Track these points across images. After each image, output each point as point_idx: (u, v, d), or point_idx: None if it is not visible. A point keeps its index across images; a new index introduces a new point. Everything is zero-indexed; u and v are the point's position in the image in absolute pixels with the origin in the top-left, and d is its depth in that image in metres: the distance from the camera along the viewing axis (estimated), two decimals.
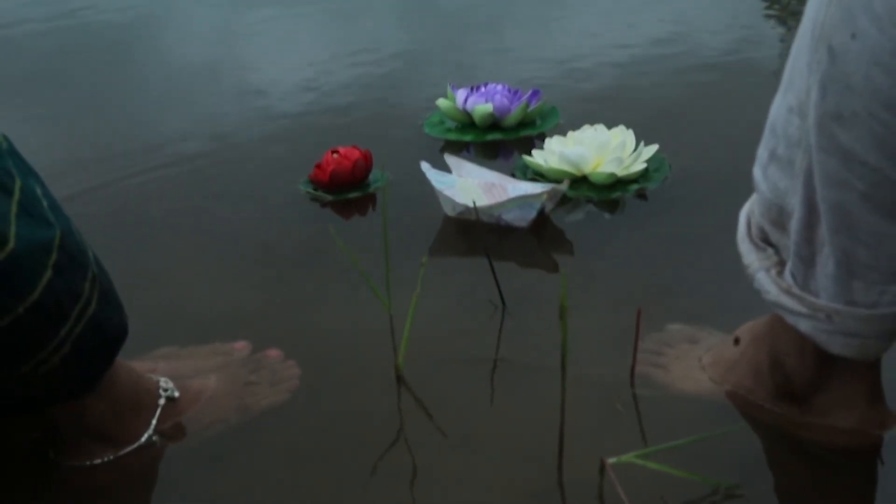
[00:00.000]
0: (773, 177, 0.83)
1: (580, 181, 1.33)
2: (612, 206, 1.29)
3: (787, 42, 1.78)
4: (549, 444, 0.86)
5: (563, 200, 1.29)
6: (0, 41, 2.11)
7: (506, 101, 1.47)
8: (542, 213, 1.23)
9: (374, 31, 2.08)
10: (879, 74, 0.70)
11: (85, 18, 2.21)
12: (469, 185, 1.23)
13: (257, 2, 2.28)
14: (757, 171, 0.85)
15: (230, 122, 1.62)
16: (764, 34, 1.89)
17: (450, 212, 1.26)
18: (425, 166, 1.27)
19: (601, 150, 1.31)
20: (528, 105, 1.47)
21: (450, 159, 1.31)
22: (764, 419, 0.91)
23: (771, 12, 2.03)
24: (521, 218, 1.22)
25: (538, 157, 1.35)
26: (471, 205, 1.20)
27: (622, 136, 1.33)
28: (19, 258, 0.76)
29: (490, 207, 1.21)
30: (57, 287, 0.79)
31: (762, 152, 0.84)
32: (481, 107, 1.47)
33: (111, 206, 1.36)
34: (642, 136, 1.36)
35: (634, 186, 1.31)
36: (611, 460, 0.83)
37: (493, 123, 1.49)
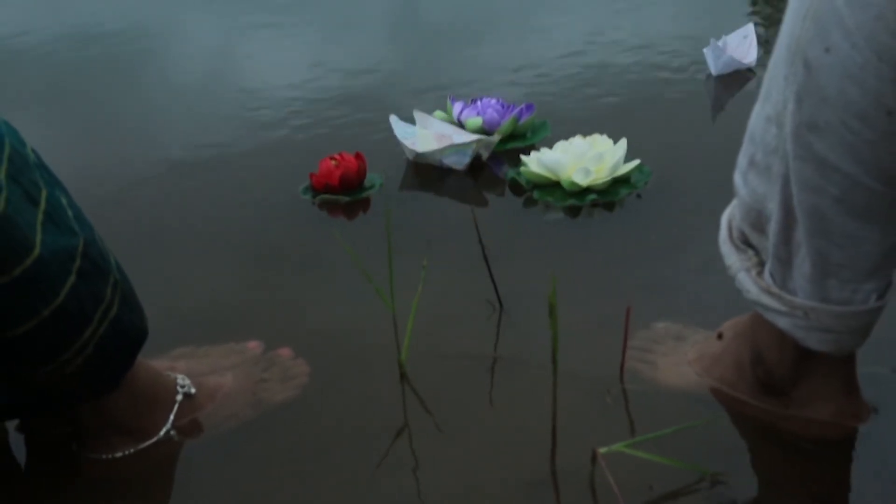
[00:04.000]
0: (752, 182, 0.84)
1: (555, 186, 1.34)
2: (576, 211, 1.30)
3: (766, 53, 1.78)
4: (544, 434, 0.87)
5: (534, 202, 1.31)
6: (14, 56, 2.12)
7: (496, 115, 1.47)
8: (478, 160, 1.42)
9: (374, 45, 2.08)
10: (851, 87, 0.71)
11: (92, 35, 2.22)
12: (426, 135, 1.42)
13: (251, 16, 2.28)
14: (737, 177, 0.86)
15: (229, 134, 1.60)
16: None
17: (409, 156, 1.43)
18: (393, 119, 1.45)
19: (579, 158, 1.32)
20: (517, 119, 1.47)
21: (417, 114, 1.46)
22: (746, 411, 0.92)
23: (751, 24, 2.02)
24: (457, 162, 1.41)
25: (527, 161, 1.36)
26: (420, 151, 1.41)
27: (600, 149, 1.33)
28: (45, 264, 0.76)
29: (433, 152, 1.40)
30: (81, 291, 0.80)
31: (742, 159, 0.85)
32: (472, 119, 1.47)
33: (126, 213, 1.36)
34: (636, 149, 1.36)
35: (592, 196, 1.31)
36: (602, 450, 0.84)
37: (487, 135, 1.49)
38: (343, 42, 2.08)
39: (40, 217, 0.77)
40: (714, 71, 1.66)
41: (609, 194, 1.32)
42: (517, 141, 1.48)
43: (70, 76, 1.99)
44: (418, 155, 1.42)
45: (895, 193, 0.75)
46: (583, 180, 1.31)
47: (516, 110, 1.48)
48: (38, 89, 1.90)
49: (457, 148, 1.39)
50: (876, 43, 0.68)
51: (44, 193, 0.79)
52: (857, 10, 0.68)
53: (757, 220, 0.85)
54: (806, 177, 0.77)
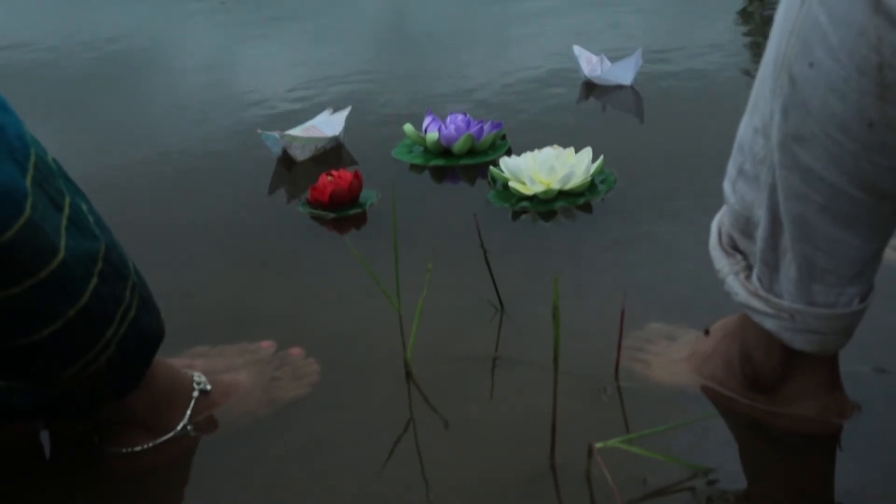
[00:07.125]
0: (740, 190, 0.85)
1: (507, 189, 1.36)
2: (516, 215, 1.32)
3: (751, 65, 1.77)
4: (542, 431, 0.88)
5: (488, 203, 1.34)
6: (17, 66, 2.13)
7: (454, 132, 1.47)
8: None
9: (363, 60, 2.08)
10: (834, 100, 0.72)
11: (93, 45, 2.22)
12: (293, 135, 1.51)
13: (239, 34, 2.29)
14: (727, 186, 0.87)
15: (228, 150, 1.61)
16: (723, 61, 1.88)
17: (303, 156, 1.51)
18: (263, 136, 1.50)
19: (534, 167, 1.34)
20: (472, 137, 1.47)
21: (265, 133, 1.51)
22: (735, 408, 0.93)
23: (730, 37, 2.02)
24: (345, 129, 1.56)
25: (500, 163, 1.38)
26: (331, 135, 1.53)
27: (557, 161, 1.34)
28: (69, 267, 0.77)
29: (336, 135, 1.54)
30: (103, 293, 0.81)
31: (731, 168, 0.86)
32: (431, 134, 1.48)
33: (133, 217, 1.36)
34: (609, 160, 1.37)
35: (524, 203, 1.33)
36: (598, 445, 0.84)
37: (447, 150, 1.49)
38: (346, 54, 2.09)
39: (64, 222, 0.78)
40: (629, 82, 1.73)
41: (547, 204, 1.33)
42: (474, 157, 1.48)
43: (71, 86, 1.99)
44: (323, 143, 1.53)
45: (877, 202, 0.76)
46: (529, 188, 1.32)
47: (476, 127, 1.48)
48: (39, 98, 1.90)
49: (342, 122, 1.56)
50: (858, 58, 0.69)
51: (67, 200, 0.79)
52: (840, 27, 0.69)
53: (745, 226, 0.86)
54: (792, 185, 0.78)
